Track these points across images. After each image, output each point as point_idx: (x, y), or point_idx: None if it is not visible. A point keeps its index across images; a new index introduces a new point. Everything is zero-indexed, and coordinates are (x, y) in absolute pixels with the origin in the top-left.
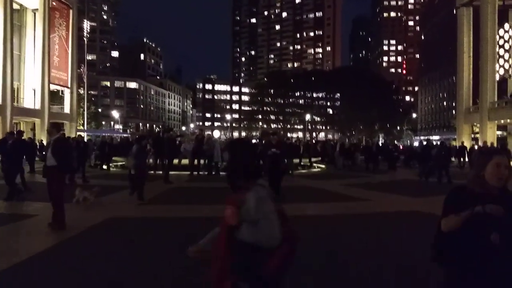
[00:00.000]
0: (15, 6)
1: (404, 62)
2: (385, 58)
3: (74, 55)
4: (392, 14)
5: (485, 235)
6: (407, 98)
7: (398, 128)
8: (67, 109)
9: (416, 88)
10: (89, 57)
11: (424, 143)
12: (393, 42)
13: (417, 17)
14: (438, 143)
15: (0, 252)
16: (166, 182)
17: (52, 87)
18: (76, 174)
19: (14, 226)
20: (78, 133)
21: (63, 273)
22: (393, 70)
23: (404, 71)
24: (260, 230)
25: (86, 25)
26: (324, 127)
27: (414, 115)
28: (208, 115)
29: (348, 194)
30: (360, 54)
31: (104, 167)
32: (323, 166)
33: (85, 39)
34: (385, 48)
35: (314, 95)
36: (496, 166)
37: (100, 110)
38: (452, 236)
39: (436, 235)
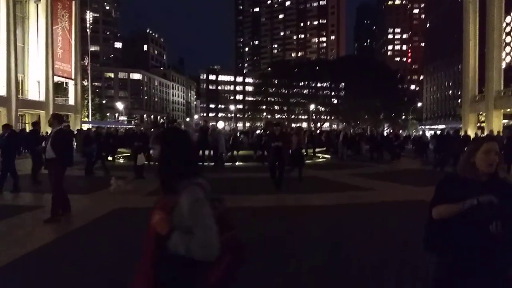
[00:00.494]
0: None
1: (409, 50)
2: (390, 47)
3: (78, 46)
4: (397, 2)
5: (483, 225)
6: (412, 87)
7: (403, 117)
8: (71, 101)
9: (421, 77)
10: (93, 49)
11: (438, 132)
12: (398, 30)
13: (422, 5)
14: (447, 132)
15: (7, 243)
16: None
17: (56, 79)
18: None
19: (21, 218)
20: (91, 125)
21: (71, 264)
22: (398, 59)
23: (409, 60)
24: (194, 239)
25: (89, 16)
26: (328, 117)
27: (419, 104)
28: (212, 105)
29: (352, 183)
30: (365, 43)
31: (110, 158)
32: (327, 156)
33: (88, 30)
34: (390, 36)
35: (318, 84)
36: (487, 152)
37: (104, 101)
38: (445, 224)
39: (428, 223)
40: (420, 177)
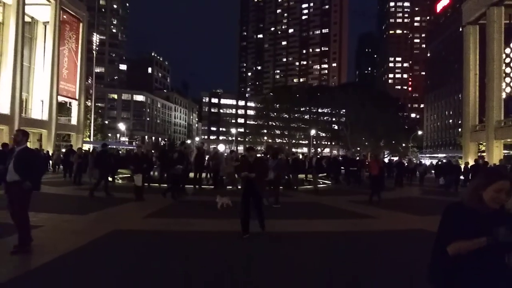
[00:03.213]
0: (27, 19)
1: (410, 79)
2: (391, 75)
3: (83, 67)
4: (398, 31)
5: (497, 257)
6: (413, 115)
7: (404, 145)
8: (74, 121)
9: (422, 105)
10: (98, 70)
11: (444, 160)
12: (399, 59)
13: (423, 35)
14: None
15: None
16: (178, 195)
17: (60, 98)
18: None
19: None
20: (89, 145)
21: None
22: (399, 87)
23: (410, 88)
24: None
25: (96, 38)
26: (329, 143)
27: (420, 132)
28: (213, 128)
29: (353, 210)
30: (366, 71)
31: (110, 179)
32: (328, 182)
33: (94, 52)
34: (391, 65)
35: (320, 110)
36: (498, 191)
37: (106, 122)
38: (456, 258)
39: (436, 256)
40: (423, 205)
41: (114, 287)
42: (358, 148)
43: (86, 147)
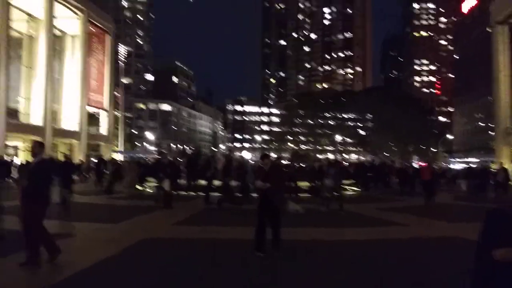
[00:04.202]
0: (56, 33)
1: (437, 82)
2: (417, 78)
3: (111, 78)
4: (423, 33)
5: None
6: (442, 118)
7: (433, 149)
8: (103, 131)
9: (451, 109)
10: (125, 80)
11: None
12: (425, 61)
13: (449, 36)
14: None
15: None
16: (206, 203)
17: (90, 109)
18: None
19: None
20: (113, 154)
21: None
22: (426, 90)
23: (437, 91)
24: None
25: (122, 49)
26: (355, 148)
27: (450, 136)
28: (238, 136)
29: (382, 218)
30: (391, 74)
31: (139, 187)
32: (356, 189)
33: (121, 62)
34: (417, 68)
35: (345, 115)
36: None
37: (135, 132)
38: (502, 265)
39: (477, 263)
40: (452, 212)
41: None
42: (386, 154)
43: (115, 156)
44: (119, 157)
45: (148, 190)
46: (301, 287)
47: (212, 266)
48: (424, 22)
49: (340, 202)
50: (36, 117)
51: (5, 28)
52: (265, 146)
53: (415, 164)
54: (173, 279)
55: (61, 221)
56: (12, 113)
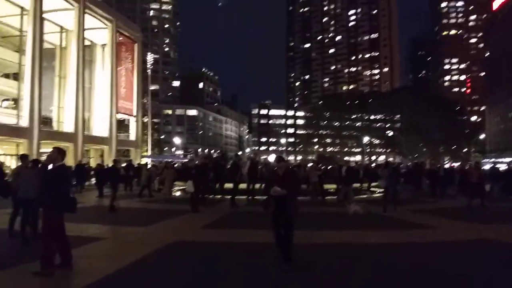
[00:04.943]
0: (86, 43)
1: (468, 80)
2: (447, 78)
3: (139, 85)
4: (452, 32)
5: None
6: (473, 118)
7: (465, 150)
8: (132, 137)
9: (483, 108)
10: (152, 87)
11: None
12: (454, 60)
13: (480, 34)
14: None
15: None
16: (232, 206)
17: (119, 116)
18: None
19: (81, 250)
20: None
21: None
22: (456, 89)
23: (468, 90)
24: None
25: (150, 57)
26: (383, 150)
27: (482, 136)
28: (263, 139)
29: (411, 220)
30: (420, 74)
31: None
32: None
33: (148, 70)
34: (447, 67)
35: (372, 117)
36: None
37: (162, 136)
38: None
39: None
40: (485, 214)
41: None
42: (416, 155)
43: (143, 161)
44: (147, 162)
45: (176, 194)
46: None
47: (236, 269)
48: (453, 21)
49: (395, 204)
50: (68, 125)
51: (39, 41)
52: (290, 149)
53: (447, 165)
54: (197, 282)
55: (94, 225)
56: (46, 121)
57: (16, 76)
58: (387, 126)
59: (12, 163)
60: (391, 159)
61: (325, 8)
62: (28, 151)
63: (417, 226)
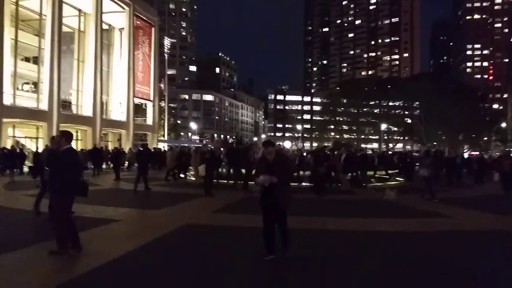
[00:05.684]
0: (104, 26)
1: (491, 67)
2: (469, 64)
3: (156, 70)
4: (476, 16)
5: None
6: (495, 106)
7: (485, 138)
8: (149, 121)
9: (505, 95)
10: (170, 72)
11: None
12: (477, 46)
13: (505, 19)
14: None
15: (87, 253)
16: (245, 189)
17: (136, 100)
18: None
19: (96, 231)
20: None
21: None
22: (478, 76)
23: (491, 77)
24: None
25: (167, 41)
26: (401, 138)
27: (504, 125)
28: (279, 125)
29: (425, 209)
30: (441, 60)
31: (182, 175)
32: (400, 179)
33: (165, 55)
34: (469, 52)
35: (391, 103)
36: None
37: (179, 121)
38: None
39: None
40: (503, 204)
41: (184, 277)
42: (434, 143)
43: (160, 145)
44: (164, 146)
45: (190, 178)
46: (327, 274)
47: (247, 252)
48: (477, 4)
49: (431, 191)
50: (86, 108)
51: (58, 24)
52: (306, 135)
53: (466, 154)
54: (208, 263)
55: (109, 207)
56: (65, 104)
57: (35, 60)
58: (406, 113)
59: (32, 146)
60: (408, 147)
61: None
62: (47, 134)
63: (430, 214)
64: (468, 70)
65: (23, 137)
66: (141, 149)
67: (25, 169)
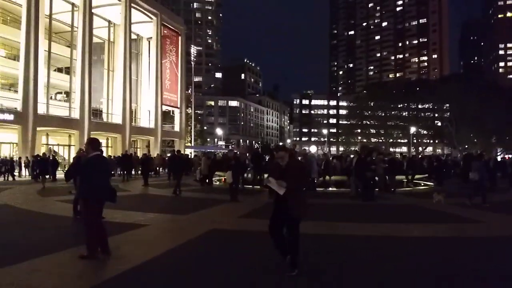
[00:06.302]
0: (133, 36)
1: None
2: (502, 64)
3: (183, 78)
4: (509, 14)
5: None
6: None
7: None
8: (177, 128)
9: None
10: (196, 79)
11: None
12: (510, 45)
13: None
14: None
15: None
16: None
17: (164, 108)
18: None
19: (125, 236)
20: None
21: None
22: (511, 76)
23: None
24: None
25: (193, 50)
26: (431, 141)
27: None
28: (305, 130)
29: (458, 214)
30: (472, 61)
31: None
32: (430, 183)
33: (192, 63)
34: (501, 52)
35: (420, 106)
36: None
37: (205, 128)
38: None
39: None
40: None
41: (210, 283)
42: (466, 146)
43: (188, 151)
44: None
45: (216, 183)
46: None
47: (268, 258)
48: (510, 2)
49: (482, 195)
50: (116, 116)
51: (89, 35)
52: (332, 140)
53: (499, 157)
54: (233, 267)
55: (138, 212)
56: (96, 113)
57: (67, 70)
58: (435, 115)
59: (64, 153)
60: (439, 150)
61: None
62: (79, 142)
63: (464, 220)
64: (500, 70)
65: (56, 145)
66: (176, 154)
67: (58, 175)
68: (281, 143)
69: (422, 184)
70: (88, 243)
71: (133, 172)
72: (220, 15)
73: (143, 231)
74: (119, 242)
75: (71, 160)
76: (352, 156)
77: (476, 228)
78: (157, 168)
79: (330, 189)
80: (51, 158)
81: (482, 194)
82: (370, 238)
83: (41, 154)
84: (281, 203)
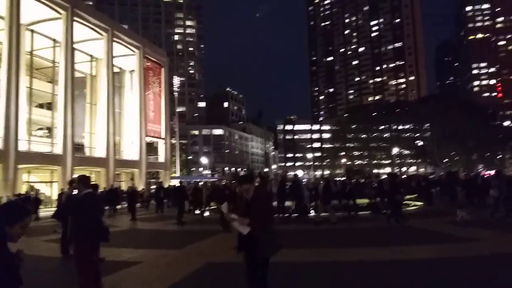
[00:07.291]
0: (115, 69)
1: (499, 84)
2: (476, 83)
3: (167, 108)
4: (479, 35)
5: None
6: (506, 123)
7: (500, 156)
8: (161, 159)
9: None
10: (179, 109)
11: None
12: (483, 64)
13: (508, 36)
14: None
15: None
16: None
17: (148, 139)
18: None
19: (118, 275)
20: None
21: None
22: (486, 94)
23: (499, 94)
24: None
25: (176, 80)
26: (414, 160)
27: None
28: (289, 155)
29: (452, 233)
30: (448, 81)
31: (197, 212)
32: (419, 203)
33: (175, 93)
34: (475, 71)
35: (400, 127)
36: None
37: (190, 157)
38: None
39: None
40: None
41: None
42: (448, 164)
43: (173, 182)
44: (174, 182)
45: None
46: None
47: None
48: (479, 24)
49: (508, 210)
50: (100, 150)
51: (71, 70)
52: (317, 163)
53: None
54: None
55: (128, 249)
56: (79, 147)
57: (49, 106)
58: (416, 135)
59: (46, 190)
60: (422, 169)
61: (347, 21)
62: (61, 178)
63: (460, 239)
64: (475, 89)
65: (38, 182)
66: (179, 185)
67: (41, 213)
68: (257, 171)
69: (411, 204)
70: (81, 284)
71: (118, 206)
72: (202, 46)
73: (137, 269)
74: (113, 282)
75: (54, 197)
76: (321, 182)
77: (475, 246)
78: (148, 201)
79: (323, 214)
80: (33, 195)
81: (495, 206)
82: (373, 264)
83: (23, 193)
84: (247, 241)
